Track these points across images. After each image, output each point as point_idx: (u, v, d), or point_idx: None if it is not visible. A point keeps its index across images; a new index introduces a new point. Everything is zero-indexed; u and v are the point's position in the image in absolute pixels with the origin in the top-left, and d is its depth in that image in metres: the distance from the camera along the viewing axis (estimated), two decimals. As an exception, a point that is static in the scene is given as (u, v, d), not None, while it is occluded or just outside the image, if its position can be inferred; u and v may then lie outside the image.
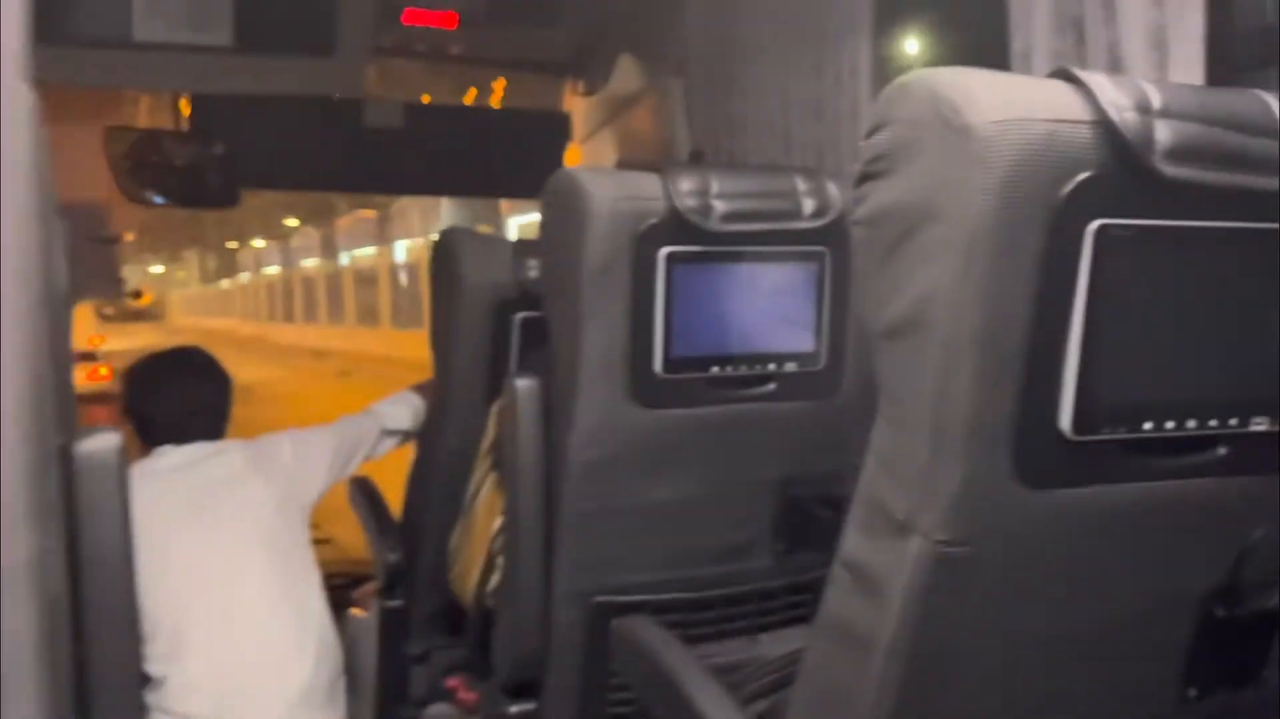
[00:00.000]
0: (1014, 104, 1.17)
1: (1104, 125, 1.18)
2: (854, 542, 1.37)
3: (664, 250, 2.08)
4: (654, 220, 2.07)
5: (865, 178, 1.29)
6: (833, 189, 2.18)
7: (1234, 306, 1.28)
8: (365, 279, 30.59)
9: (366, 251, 31.91)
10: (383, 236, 30.38)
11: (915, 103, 1.22)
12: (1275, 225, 1.26)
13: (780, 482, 2.33)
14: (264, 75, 3.71)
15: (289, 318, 40.16)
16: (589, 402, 2.14)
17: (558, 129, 4.87)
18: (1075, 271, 1.19)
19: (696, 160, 4.37)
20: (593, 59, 4.96)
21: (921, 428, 1.25)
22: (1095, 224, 1.18)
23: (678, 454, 2.21)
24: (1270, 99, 1.26)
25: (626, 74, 4.80)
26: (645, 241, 2.07)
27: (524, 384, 2.24)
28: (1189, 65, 2.36)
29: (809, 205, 2.16)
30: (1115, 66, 2.55)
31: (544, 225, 2.23)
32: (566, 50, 4.83)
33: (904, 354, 1.27)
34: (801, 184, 2.18)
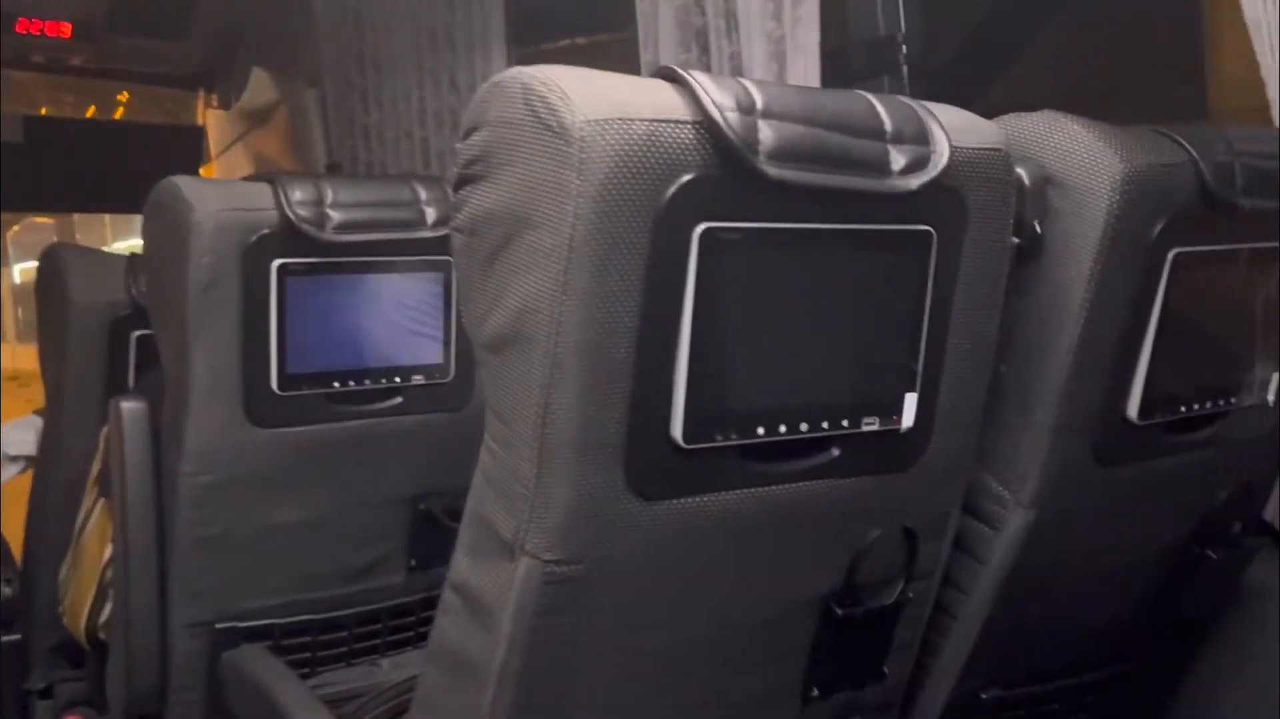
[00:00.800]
0: (613, 103, 1.07)
1: (707, 126, 1.09)
2: (463, 564, 1.25)
3: (276, 263, 1.91)
4: (265, 231, 1.90)
5: (462, 182, 1.17)
6: None
7: (842, 308, 1.22)
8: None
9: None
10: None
11: (509, 102, 1.10)
12: (879, 226, 1.20)
13: (412, 497, 2.19)
14: None
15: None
16: (200, 423, 1.95)
17: (191, 143, 4.62)
18: (683, 277, 1.10)
19: (333, 172, 4.21)
20: (225, 72, 4.74)
21: (527, 445, 1.13)
22: (701, 227, 1.09)
23: (301, 473, 2.05)
24: (875, 101, 1.20)
25: (262, 87, 4.60)
26: (255, 254, 1.90)
27: (129, 406, 2.03)
28: (807, 75, 2.36)
29: (432, 214, 2.03)
30: (736, 75, 2.52)
31: (146, 239, 2.03)
32: (196, 63, 4.59)
33: (507, 369, 1.15)
34: (424, 193, 2.05)
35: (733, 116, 1.09)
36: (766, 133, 1.10)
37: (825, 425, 1.23)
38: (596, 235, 1.06)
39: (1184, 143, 1.39)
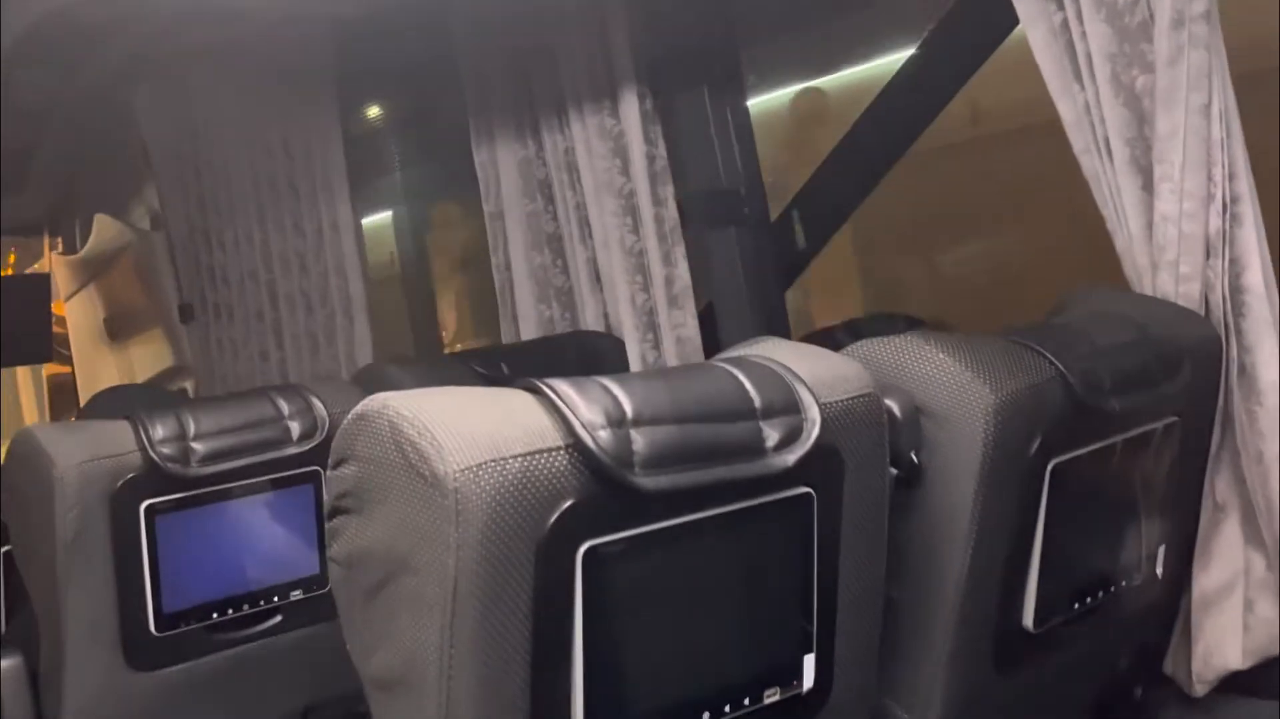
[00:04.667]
0: (484, 443, 1.01)
1: (580, 449, 1.04)
2: None
3: (144, 504, 1.82)
4: (130, 475, 1.82)
5: (335, 512, 1.11)
6: (319, 405, 1.99)
7: (730, 588, 1.17)
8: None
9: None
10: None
11: (377, 441, 1.04)
12: (758, 501, 1.15)
13: (302, 711, 2.09)
14: None
15: None
16: (79, 675, 1.84)
17: (38, 290, 4.45)
18: (570, 598, 1.05)
19: (186, 315, 4.10)
20: (67, 217, 4.59)
21: None
22: (584, 547, 1.04)
23: (187, 711, 1.94)
24: (742, 376, 1.16)
25: (106, 230, 4.46)
26: (122, 499, 1.81)
27: (4, 664, 1.90)
28: (666, 224, 2.35)
29: (296, 429, 1.96)
30: (584, 225, 2.52)
31: (6, 488, 1.91)
32: (37, 211, 4.45)
33: (398, 711, 1.09)
34: (286, 406, 1.98)
35: (604, 436, 1.04)
36: (639, 442, 1.06)
37: (727, 709, 1.18)
38: (480, 581, 1.01)
39: (1049, 355, 1.38)
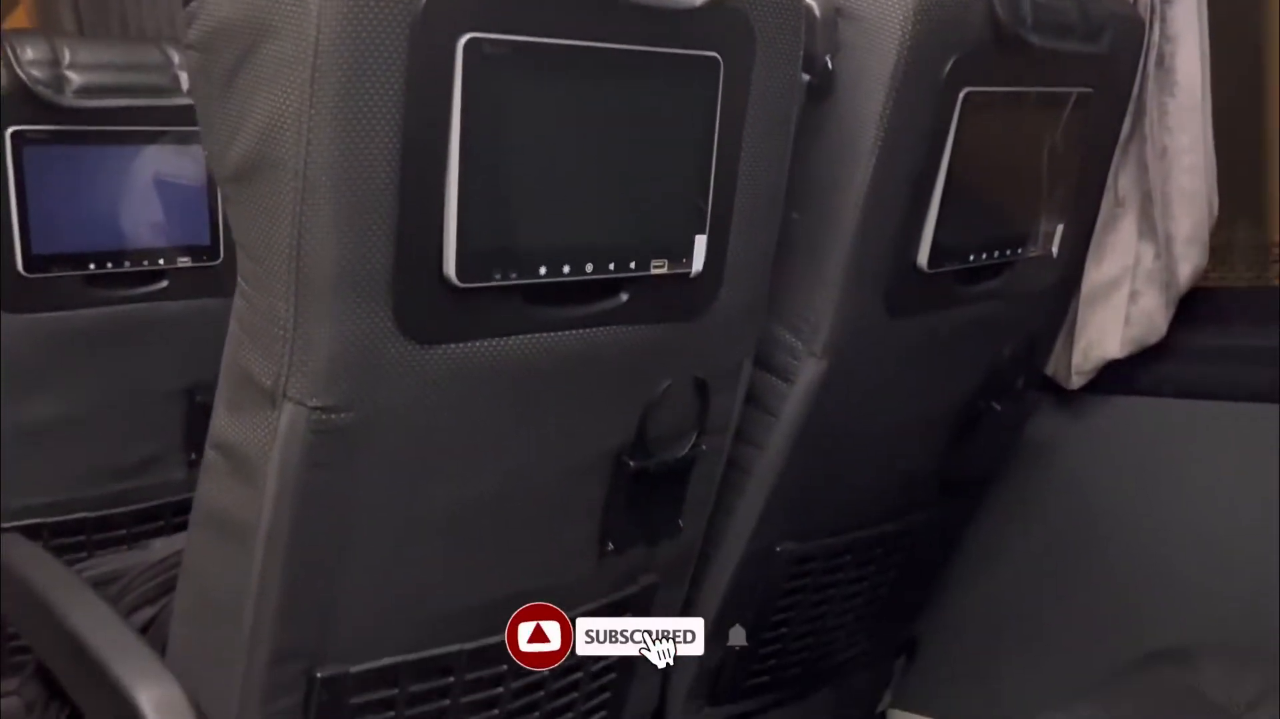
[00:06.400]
0: None
1: None
2: (222, 419, 1.16)
3: (10, 130, 1.74)
4: None
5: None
6: None
7: (626, 139, 1.15)
8: None
9: None
10: None
11: None
12: (662, 49, 1.12)
13: (187, 388, 2.04)
14: None
15: None
16: None
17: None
18: (448, 93, 1.01)
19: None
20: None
21: (281, 282, 1.03)
22: (465, 38, 1.00)
23: (59, 365, 1.89)
24: None
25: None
26: None
27: None
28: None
29: (187, 80, 1.87)
30: None
31: None
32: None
33: (254, 200, 1.05)
34: (177, 56, 1.89)
35: None
36: None
37: (612, 267, 1.17)
38: (344, 39, 0.96)
39: None
